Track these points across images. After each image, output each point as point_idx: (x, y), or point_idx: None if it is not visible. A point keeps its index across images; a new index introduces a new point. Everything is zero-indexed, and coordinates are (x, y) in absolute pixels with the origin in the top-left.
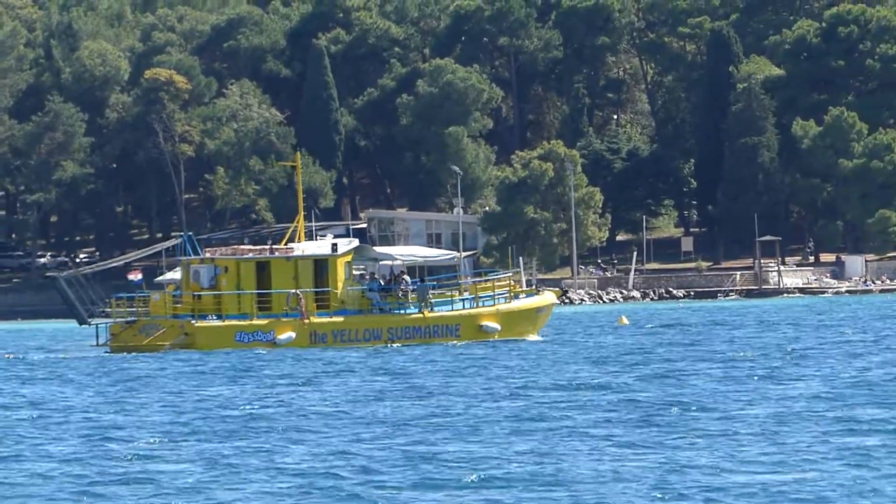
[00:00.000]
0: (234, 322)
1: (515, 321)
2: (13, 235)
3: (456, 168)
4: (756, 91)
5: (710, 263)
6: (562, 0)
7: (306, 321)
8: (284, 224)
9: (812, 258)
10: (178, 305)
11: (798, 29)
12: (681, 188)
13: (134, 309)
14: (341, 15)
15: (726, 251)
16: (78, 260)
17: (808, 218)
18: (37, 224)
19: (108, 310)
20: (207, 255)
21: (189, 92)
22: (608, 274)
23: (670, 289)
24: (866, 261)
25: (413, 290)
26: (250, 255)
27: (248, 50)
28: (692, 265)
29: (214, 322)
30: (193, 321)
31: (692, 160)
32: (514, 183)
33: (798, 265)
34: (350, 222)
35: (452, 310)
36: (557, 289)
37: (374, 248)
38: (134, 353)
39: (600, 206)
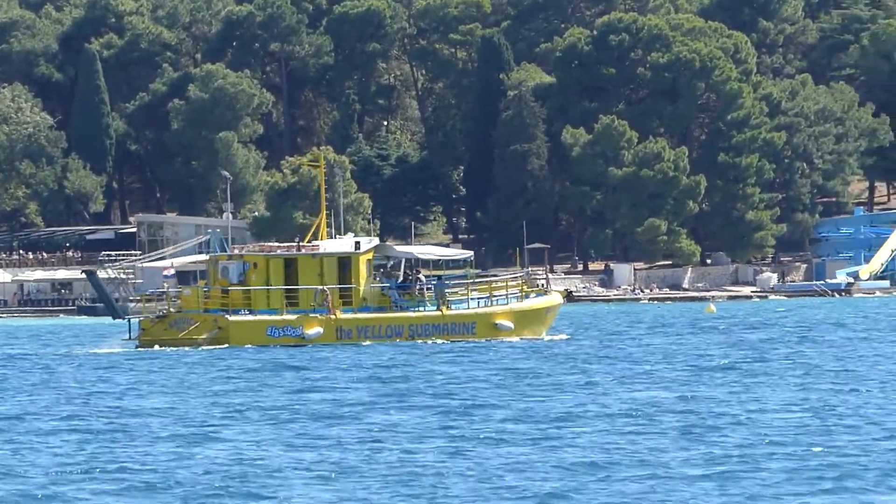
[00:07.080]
0: (265, 317)
1: (527, 320)
2: None
3: (226, 173)
4: (526, 98)
5: (479, 270)
6: (333, 6)
7: (332, 317)
8: (54, 228)
9: (581, 266)
10: (209, 300)
11: (569, 37)
12: (450, 195)
13: (164, 303)
14: (113, 20)
15: (495, 258)
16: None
17: (578, 226)
18: None
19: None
20: (236, 251)
21: None
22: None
23: None
24: (635, 269)
25: (430, 288)
26: (278, 251)
27: (21, 53)
28: (460, 272)
29: (247, 317)
30: (227, 315)
31: (462, 167)
32: (283, 188)
33: (566, 273)
34: (119, 226)
35: (469, 308)
36: (564, 289)
37: (395, 246)
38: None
39: (369, 212)
